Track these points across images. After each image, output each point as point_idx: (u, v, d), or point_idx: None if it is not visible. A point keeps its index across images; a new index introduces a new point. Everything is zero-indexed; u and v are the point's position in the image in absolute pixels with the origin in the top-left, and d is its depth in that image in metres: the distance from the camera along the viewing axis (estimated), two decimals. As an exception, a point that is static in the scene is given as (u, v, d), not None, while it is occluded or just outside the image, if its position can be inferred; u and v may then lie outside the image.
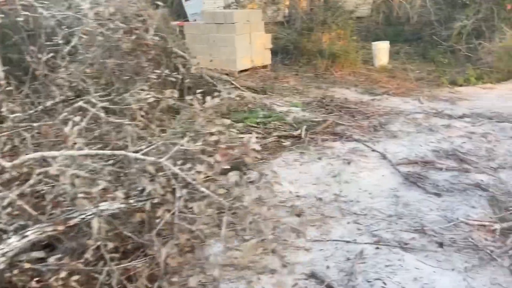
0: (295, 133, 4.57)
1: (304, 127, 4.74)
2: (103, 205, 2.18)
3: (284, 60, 10.06)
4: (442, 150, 4.24)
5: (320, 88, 7.52)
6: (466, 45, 9.53)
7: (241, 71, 8.69)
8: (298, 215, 3.04)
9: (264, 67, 9.29)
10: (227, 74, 8.55)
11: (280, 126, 4.91)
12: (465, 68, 8.19)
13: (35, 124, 2.97)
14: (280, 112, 5.53)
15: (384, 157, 4.09)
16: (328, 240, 2.74)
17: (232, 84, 6.39)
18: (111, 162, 2.64)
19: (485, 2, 9.74)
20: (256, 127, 4.87)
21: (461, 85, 7.80)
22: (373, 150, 4.26)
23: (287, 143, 4.41)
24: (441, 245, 2.70)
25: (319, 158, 4.07)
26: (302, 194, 3.38)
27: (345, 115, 5.50)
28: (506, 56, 7.90)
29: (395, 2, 14.52)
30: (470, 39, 9.66)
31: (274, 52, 10.40)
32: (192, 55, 6.00)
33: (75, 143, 2.37)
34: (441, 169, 3.81)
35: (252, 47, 8.79)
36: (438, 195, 3.34)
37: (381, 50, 9.50)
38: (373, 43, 9.74)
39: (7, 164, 2.18)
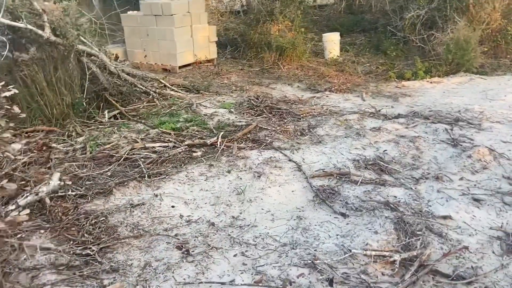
0: (210, 141, 4.15)
1: (221, 133, 4.33)
2: None
3: (233, 53, 9.62)
4: (364, 159, 3.92)
5: (261, 84, 7.13)
6: (419, 36, 9.31)
7: (183, 66, 8.19)
8: (180, 248, 2.64)
9: (210, 61, 8.82)
10: (168, 70, 8.07)
11: (197, 133, 4.49)
12: (414, 61, 7.93)
13: None
14: (205, 115, 5.10)
15: (299, 168, 3.74)
16: (201, 282, 2.36)
17: (161, 83, 5.89)
18: None
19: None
20: (170, 133, 4.42)
21: (408, 79, 7.56)
22: (290, 160, 3.90)
23: (198, 153, 3.99)
24: (331, 282, 2.36)
25: (229, 171, 3.68)
26: (195, 218, 2.99)
27: (274, 117, 5.12)
28: (454, 47, 7.67)
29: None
30: (424, 30, 9.44)
31: (223, 45, 9.96)
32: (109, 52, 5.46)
33: None
34: (356, 182, 3.48)
35: (194, 40, 8.29)
36: (344, 215, 3.01)
37: (332, 42, 9.15)
38: (323, 35, 9.39)
39: None
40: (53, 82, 4.27)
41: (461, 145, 4.19)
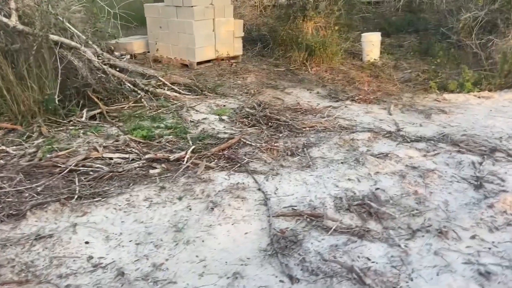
0: (173, 156, 3.56)
1: (193, 147, 3.73)
2: None
3: (262, 51, 8.94)
4: (352, 196, 3.14)
5: (277, 88, 6.42)
6: (477, 40, 8.05)
7: (202, 62, 7.68)
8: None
9: (234, 58, 8.23)
10: (186, 65, 7.61)
11: (170, 144, 3.92)
12: (462, 70, 6.79)
13: None
14: (191, 121, 4.53)
15: (265, 202, 3.04)
16: None
17: (160, 81, 5.40)
18: None
19: (503, -11, 8.13)
20: (139, 142, 3.90)
21: (452, 91, 6.46)
22: (259, 189, 3.22)
23: (156, 170, 3.43)
24: None
25: (180, 198, 3.08)
26: (106, 261, 2.43)
27: (268, 130, 4.43)
28: (511, 56, 6.44)
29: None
30: (482, 34, 8.17)
31: (254, 41, 9.33)
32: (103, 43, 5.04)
33: None
34: (328, 229, 2.73)
35: (216, 35, 7.73)
36: (292, 280, 2.30)
37: (371, 43, 8.17)
38: (362, 34, 8.42)
39: None
40: (22, 76, 3.92)
41: (485, 188, 3.25)
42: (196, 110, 4.86)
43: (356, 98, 6.08)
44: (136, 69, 5.31)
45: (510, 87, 6.47)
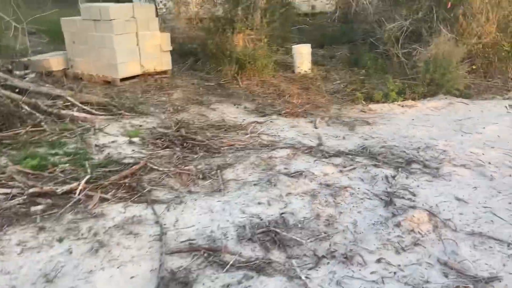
0: (61, 189, 3.17)
1: (88, 177, 3.36)
2: None
3: (194, 64, 8.65)
4: (257, 223, 2.91)
5: (202, 104, 6.15)
6: (403, 50, 8.24)
7: (126, 78, 7.26)
8: None
9: (163, 72, 7.87)
10: (109, 82, 7.16)
11: (63, 173, 3.52)
12: (386, 80, 6.87)
13: None
14: (96, 146, 4.14)
15: (161, 237, 2.74)
16: None
17: (68, 101, 4.95)
18: None
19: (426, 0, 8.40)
20: (29, 173, 3.47)
21: (378, 101, 6.50)
22: (157, 222, 2.91)
23: (39, 206, 3.02)
24: None
25: (61, 240, 2.70)
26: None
27: (182, 151, 4.14)
28: (433, 65, 6.60)
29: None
30: (409, 43, 8.39)
31: (185, 55, 9.03)
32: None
33: None
34: (224, 265, 2.47)
35: (141, 49, 7.35)
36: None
37: (301, 54, 8.14)
38: (293, 46, 8.38)
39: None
40: None
41: (395, 204, 3.14)
42: (105, 133, 4.47)
43: (283, 112, 5.94)
44: (39, 89, 4.83)
45: (433, 95, 6.61)
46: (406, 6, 8.48)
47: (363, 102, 6.49)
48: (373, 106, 6.34)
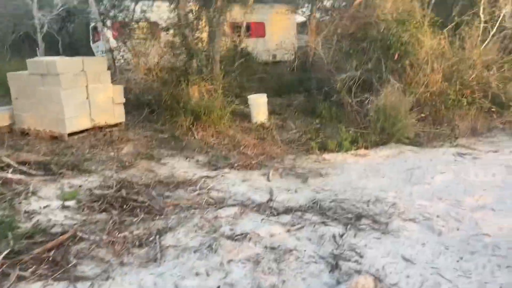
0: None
1: (6, 252, 3.03)
2: None
3: (150, 116, 8.49)
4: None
5: (152, 158, 5.95)
6: (356, 99, 8.44)
7: (75, 133, 6.97)
8: None
9: (116, 125, 7.65)
10: (56, 138, 6.84)
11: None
12: (339, 129, 6.94)
13: None
14: (26, 212, 3.82)
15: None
16: None
17: (3, 161, 4.62)
18: None
19: (374, 51, 8.75)
20: None
21: (332, 151, 6.51)
22: (78, 304, 2.61)
23: None
24: None
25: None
26: None
27: (121, 215, 3.87)
28: (383, 114, 6.74)
29: (311, 47, 13.27)
30: (361, 93, 8.62)
31: (141, 106, 8.88)
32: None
33: None
34: None
35: (91, 102, 7.14)
36: None
37: (257, 105, 8.18)
38: (249, 96, 8.42)
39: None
40: None
41: (340, 269, 2.99)
42: (39, 196, 4.16)
43: (236, 164, 5.81)
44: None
45: (385, 143, 6.71)
46: (356, 57, 8.79)
47: (318, 152, 6.48)
48: (327, 155, 6.34)
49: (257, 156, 6.32)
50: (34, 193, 4.19)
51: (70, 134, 6.88)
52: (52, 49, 19.27)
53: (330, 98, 8.88)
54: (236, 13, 14.24)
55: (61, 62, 6.69)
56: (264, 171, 5.66)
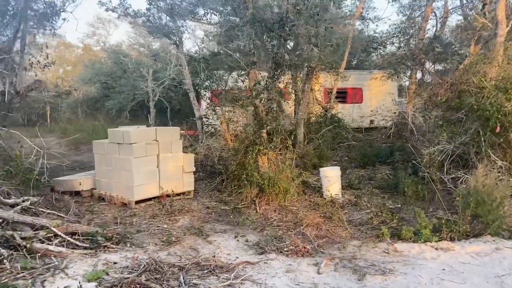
0: None
1: None
2: None
3: (219, 185, 8.42)
4: None
5: (201, 235, 5.67)
6: (448, 175, 7.31)
7: (143, 200, 7.14)
8: None
9: (185, 193, 7.70)
10: (125, 204, 7.08)
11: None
12: (416, 214, 5.89)
13: None
14: (45, 290, 3.74)
15: None
16: None
17: (51, 231, 4.75)
18: None
19: (471, 122, 7.63)
20: None
21: (407, 240, 5.49)
22: None
23: None
24: None
25: None
26: None
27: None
28: (474, 200, 5.55)
29: (408, 114, 12.30)
30: (455, 169, 7.47)
31: (216, 174, 8.90)
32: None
33: None
34: None
35: (161, 171, 7.33)
36: None
37: (329, 178, 7.53)
38: (320, 169, 7.83)
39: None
40: None
41: None
42: (66, 274, 4.09)
43: (286, 249, 5.20)
44: (23, 219, 4.74)
45: (477, 235, 5.46)
46: (449, 128, 7.72)
47: (389, 240, 5.52)
48: (400, 245, 5.35)
49: (317, 239, 5.63)
50: (63, 269, 4.15)
51: (138, 202, 7.07)
52: (162, 115, 21.34)
53: (417, 174, 7.82)
54: (331, 79, 14.12)
55: (135, 132, 7.06)
56: (317, 259, 4.94)
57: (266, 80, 7.72)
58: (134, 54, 24.89)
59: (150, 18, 12.72)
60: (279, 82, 8.99)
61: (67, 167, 8.67)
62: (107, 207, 7.15)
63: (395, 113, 13.59)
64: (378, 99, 16.67)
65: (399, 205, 7.05)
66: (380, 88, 16.17)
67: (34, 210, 5.47)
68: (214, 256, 4.92)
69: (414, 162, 8.18)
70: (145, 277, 3.95)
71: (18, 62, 7.69)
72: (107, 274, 4.16)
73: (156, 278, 4.01)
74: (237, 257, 4.94)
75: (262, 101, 7.49)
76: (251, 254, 5.06)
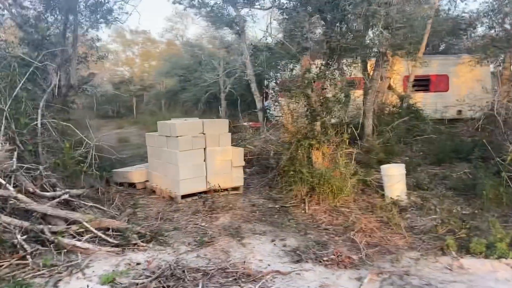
0: None
1: None
2: None
3: (271, 181, 7.95)
4: None
5: (237, 236, 5.26)
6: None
7: (189, 195, 6.96)
8: None
9: (234, 189, 7.39)
10: (173, 198, 6.97)
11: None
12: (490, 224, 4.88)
13: None
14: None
15: None
16: None
17: (82, 227, 4.70)
18: None
19: None
20: None
21: (477, 254, 4.55)
22: None
23: None
24: None
25: None
26: None
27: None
28: None
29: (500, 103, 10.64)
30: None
31: (271, 169, 8.45)
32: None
33: None
34: None
35: (209, 165, 7.08)
36: None
37: (391, 177, 6.65)
38: (381, 166, 6.97)
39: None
40: None
41: None
42: (84, 273, 3.96)
43: (326, 258, 4.58)
44: (57, 213, 4.76)
45: None
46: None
47: (454, 254, 4.63)
48: (467, 261, 4.45)
49: (367, 247, 4.93)
50: (83, 269, 4.03)
51: (184, 196, 6.91)
52: (234, 107, 21.41)
53: (500, 174, 6.59)
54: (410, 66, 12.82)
55: (181, 125, 6.87)
56: (361, 273, 4.26)
57: (319, 67, 7.03)
58: (209, 47, 25.35)
59: (214, 7, 12.59)
60: (339, 70, 8.23)
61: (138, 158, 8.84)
62: (156, 200, 7.11)
63: (487, 102, 11.82)
64: (467, 87, 14.80)
65: (475, 211, 5.97)
66: (469, 74, 14.34)
67: (76, 203, 5.51)
68: (244, 262, 4.50)
69: (498, 160, 6.91)
70: (155, 284, 3.65)
71: (70, 54, 7.95)
72: (127, 275, 3.97)
73: (168, 286, 3.69)
74: (268, 265, 4.46)
75: (313, 91, 6.82)
76: (285, 262, 4.54)
